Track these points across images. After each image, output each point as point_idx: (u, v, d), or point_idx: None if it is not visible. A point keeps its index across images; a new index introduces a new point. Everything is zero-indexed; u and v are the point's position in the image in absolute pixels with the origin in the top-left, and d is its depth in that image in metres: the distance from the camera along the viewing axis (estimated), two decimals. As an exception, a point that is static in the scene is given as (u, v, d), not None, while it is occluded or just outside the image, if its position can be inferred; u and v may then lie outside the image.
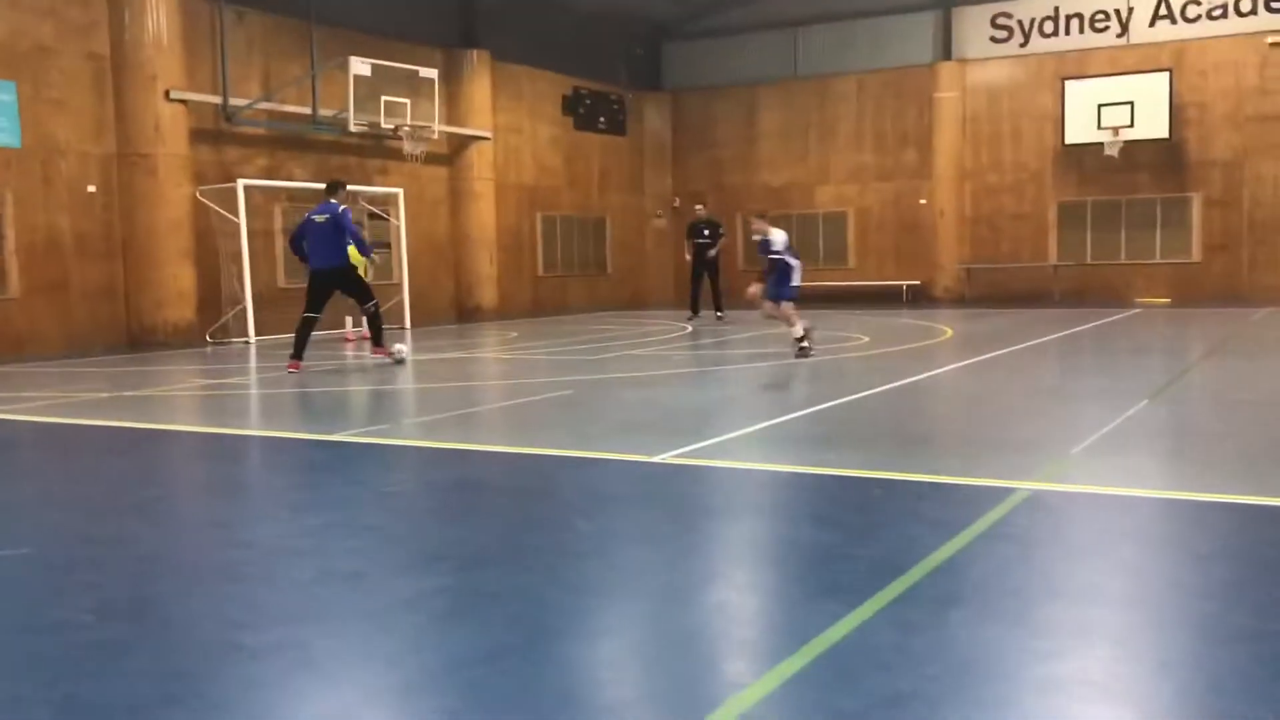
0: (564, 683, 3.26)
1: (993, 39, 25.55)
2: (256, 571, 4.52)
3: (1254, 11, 23.09)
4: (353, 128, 19.41)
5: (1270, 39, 22.81)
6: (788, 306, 12.22)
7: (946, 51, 25.88)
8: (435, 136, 21.11)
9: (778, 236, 12.36)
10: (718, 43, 28.53)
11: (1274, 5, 22.91)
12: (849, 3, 26.79)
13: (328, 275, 12.25)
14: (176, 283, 16.97)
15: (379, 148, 21.11)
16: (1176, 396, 9.08)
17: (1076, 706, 3.01)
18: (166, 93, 16.73)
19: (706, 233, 20.06)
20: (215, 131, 18.23)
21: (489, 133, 23.24)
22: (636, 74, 28.62)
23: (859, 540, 4.70)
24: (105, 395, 10.68)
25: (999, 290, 25.43)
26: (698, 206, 21.60)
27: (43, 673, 3.39)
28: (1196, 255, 23.95)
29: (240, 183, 17.61)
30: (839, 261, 27.33)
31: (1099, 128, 23.73)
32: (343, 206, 12.27)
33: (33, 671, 3.41)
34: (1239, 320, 17.46)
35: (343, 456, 7.22)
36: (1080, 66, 24.47)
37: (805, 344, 12.10)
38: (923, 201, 26.30)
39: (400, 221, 20.56)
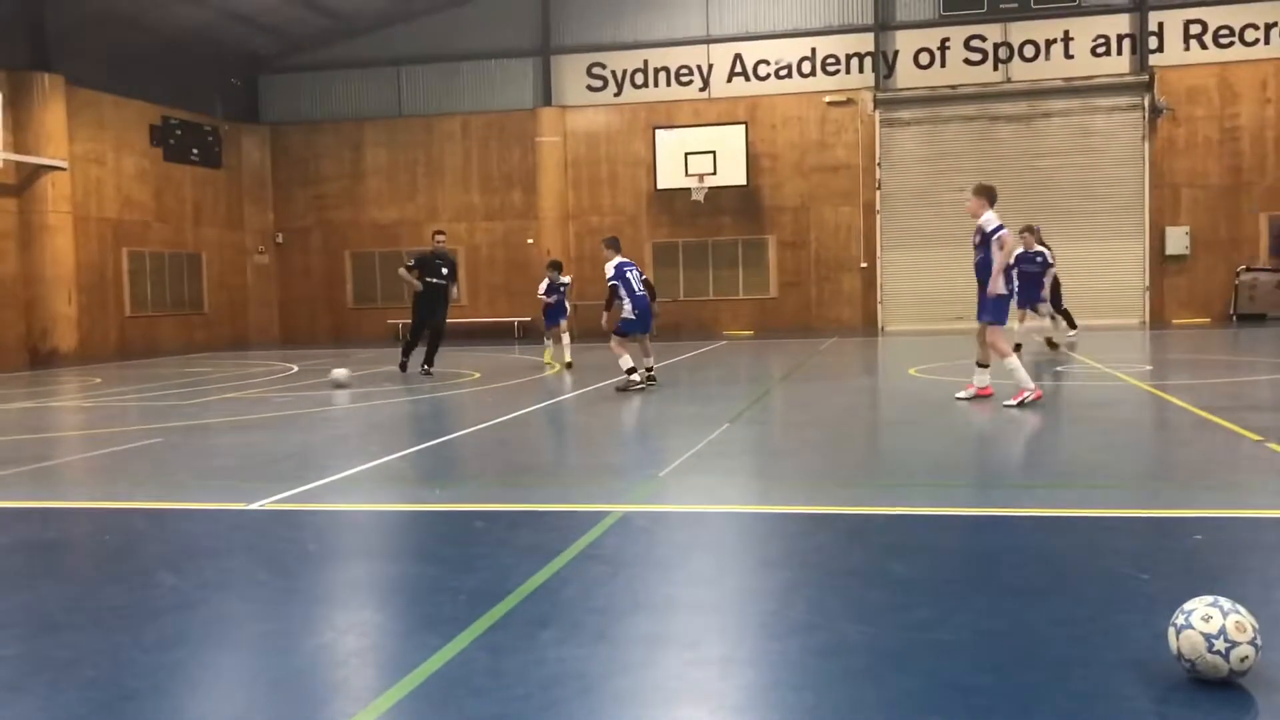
0: (143, 745, 3.10)
1: (589, 87, 26.84)
2: None
3: (814, 73, 25.84)
4: (-105, 152, 17.28)
5: (828, 98, 25.63)
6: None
7: (547, 97, 26.88)
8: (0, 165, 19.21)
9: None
10: (319, 77, 27.98)
11: (830, 68, 25.77)
12: (453, 45, 27.19)
13: None
14: None
15: (-70, 176, 18.88)
16: (753, 419, 9.96)
17: (650, 711, 3.26)
18: None
19: (445, 271, 16.36)
20: None
21: (65, 162, 21.41)
22: (232, 105, 27.45)
23: (458, 572, 4.80)
24: None
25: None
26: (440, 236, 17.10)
27: None
28: (774, 291, 26.32)
29: None
30: (449, 299, 27.48)
31: (686, 174, 25.58)
32: None
33: None
34: (809, 349, 19.37)
35: (-117, 523, 6.38)
36: (669, 116, 26.25)
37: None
38: (530, 241, 27.06)
39: (-42, 258, 18.43)
